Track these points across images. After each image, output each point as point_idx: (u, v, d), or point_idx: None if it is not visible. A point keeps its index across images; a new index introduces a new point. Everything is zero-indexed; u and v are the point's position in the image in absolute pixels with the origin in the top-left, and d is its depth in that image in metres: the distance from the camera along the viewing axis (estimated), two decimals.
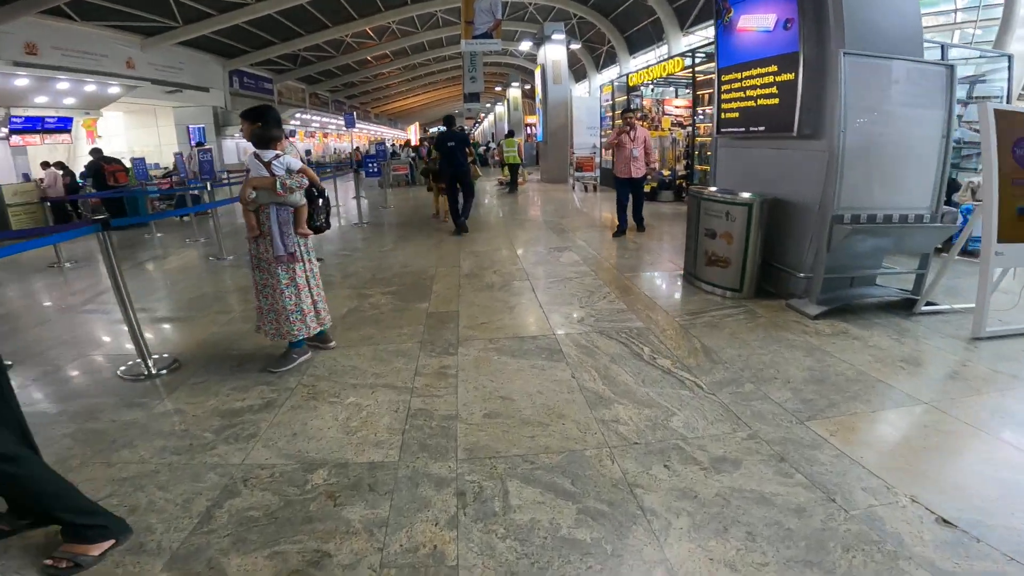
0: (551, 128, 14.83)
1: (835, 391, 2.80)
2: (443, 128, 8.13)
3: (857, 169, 3.63)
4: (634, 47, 20.88)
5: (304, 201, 3.22)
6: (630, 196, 7.05)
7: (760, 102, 4.26)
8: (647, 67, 10.23)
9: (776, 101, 4.09)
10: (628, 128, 6.83)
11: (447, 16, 22.00)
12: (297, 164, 3.17)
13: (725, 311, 4.12)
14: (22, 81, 12.60)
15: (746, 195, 4.23)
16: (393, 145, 21.32)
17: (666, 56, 12.10)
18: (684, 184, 9.86)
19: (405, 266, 5.94)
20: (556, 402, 2.79)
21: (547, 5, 19.57)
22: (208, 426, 2.67)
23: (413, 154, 17.27)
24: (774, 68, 4.07)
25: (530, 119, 24.82)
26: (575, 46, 17.74)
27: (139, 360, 3.34)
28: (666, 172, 9.69)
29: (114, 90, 14.18)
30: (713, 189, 4.71)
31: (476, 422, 2.62)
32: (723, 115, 4.81)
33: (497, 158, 19.68)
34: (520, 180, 14.21)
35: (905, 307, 3.93)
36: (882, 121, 3.69)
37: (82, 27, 13.45)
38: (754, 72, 4.29)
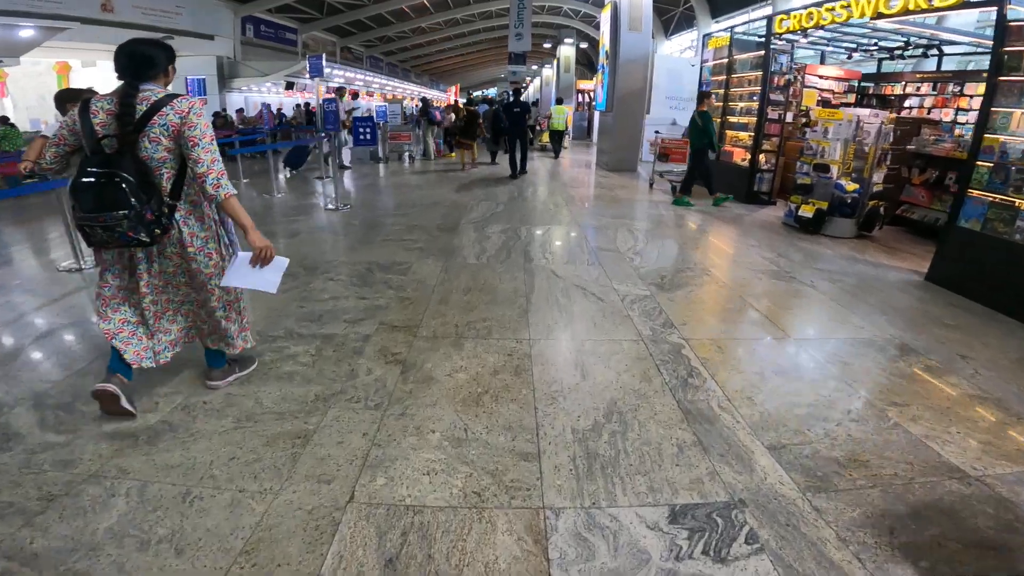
0: (620, 93, 9.70)
1: None
2: (511, 96, 9.89)
3: None
4: (718, 10, 15.27)
5: None
6: None
7: None
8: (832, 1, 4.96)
9: None
10: None
11: None
12: None
13: None
14: None
15: None
16: (435, 107, 14.86)
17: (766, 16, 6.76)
18: (884, 208, 4.99)
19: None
20: None
21: None
22: None
23: (426, 118, 12.41)
24: None
25: (584, 84, 19.30)
26: None
27: None
28: (849, 186, 4.81)
29: (27, 33, 9.85)
30: None
31: None
32: None
33: (543, 127, 15.15)
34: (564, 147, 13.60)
35: None
36: None
37: None
38: None
